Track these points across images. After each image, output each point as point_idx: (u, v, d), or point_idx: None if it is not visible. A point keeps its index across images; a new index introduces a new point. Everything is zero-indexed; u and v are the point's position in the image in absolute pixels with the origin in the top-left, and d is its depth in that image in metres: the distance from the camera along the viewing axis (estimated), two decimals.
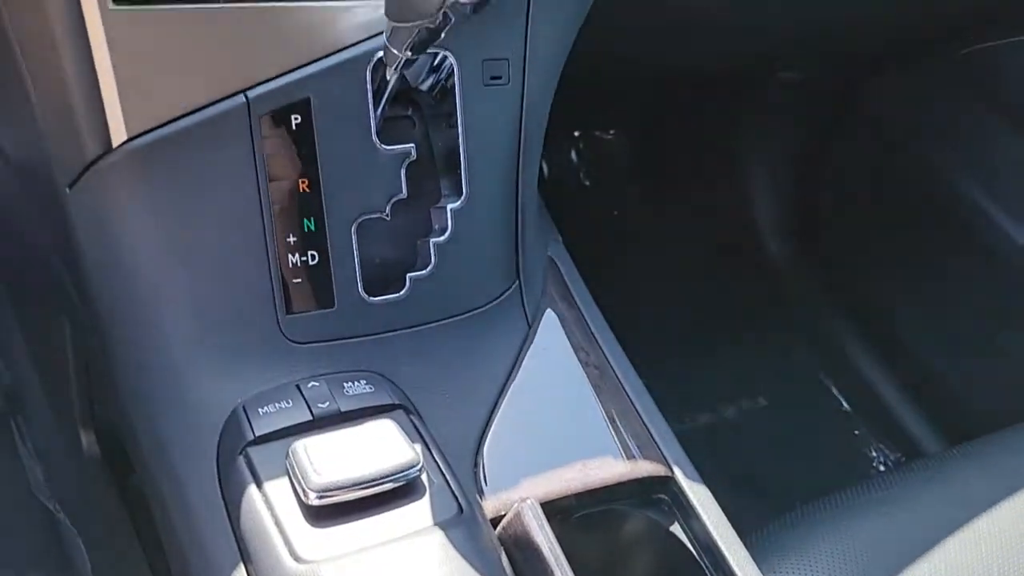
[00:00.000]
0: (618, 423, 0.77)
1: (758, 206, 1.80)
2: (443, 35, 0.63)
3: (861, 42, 1.32)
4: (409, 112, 0.74)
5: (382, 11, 0.63)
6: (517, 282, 0.80)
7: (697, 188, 1.88)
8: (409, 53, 0.64)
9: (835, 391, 1.69)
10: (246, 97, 0.65)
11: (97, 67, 0.62)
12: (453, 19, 0.60)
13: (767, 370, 1.70)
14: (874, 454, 1.62)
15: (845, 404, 1.67)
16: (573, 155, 1.92)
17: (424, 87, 0.72)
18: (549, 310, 0.82)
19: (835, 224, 1.72)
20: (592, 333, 0.82)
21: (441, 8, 0.57)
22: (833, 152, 1.70)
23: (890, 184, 1.59)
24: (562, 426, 0.75)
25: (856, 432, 1.64)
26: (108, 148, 0.64)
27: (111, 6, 0.61)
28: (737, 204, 1.80)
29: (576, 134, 1.90)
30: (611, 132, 1.94)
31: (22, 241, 0.94)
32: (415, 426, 0.68)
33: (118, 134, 0.63)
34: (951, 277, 1.51)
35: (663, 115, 1.82)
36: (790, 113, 1.73)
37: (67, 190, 0.67)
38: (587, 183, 1.92)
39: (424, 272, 0.73)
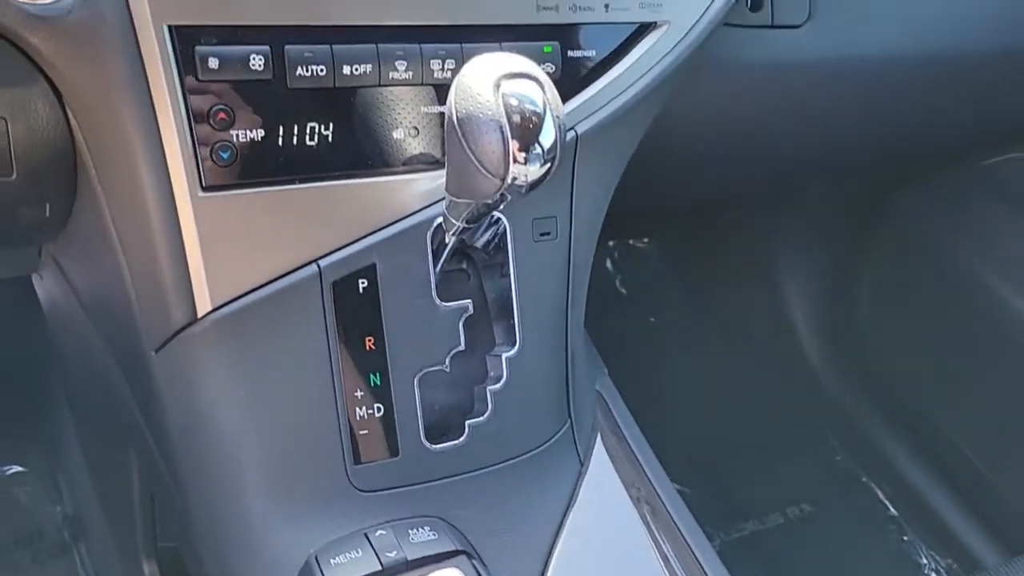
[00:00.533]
0: (671, 560, 0.79)
1: (794, 309, 1.82)
2: (501, 207, 0.68)
3: (887, 162, 1.37)
4: (463, 265, 0.79)
5: (441, 181, 0.69)
6: (569, 421, 0.84)
7: (732, 293, 1.92)
8: (466, 223, 0.70)
9: (881, 496, 1.68)
10: (318, 266, 0.70)
11: (186, 245, 0.68)
12: (510, 197, 0.65)
13: (810, 476, 1.69)
14: (924, 560, 1.60)
15: (891, 509, 1.66)
16: (608, 263, 1.97)
17: (479, 244, 0.77)
18: (600, 445, 0.85)
19: (872, 326, 1.74)
20: (642, 468, 0.85)
21: (499, 191, 0.63)
22: (866, 255, 1.73)
23: (926, 285, 1.61)
24: (616, 565, 0.78)
25: (905, 538, 1.63)
26: (194, 318, 0.69)
27: (200, 193, 0.67)
28: (773, 308, 1.83)
29: (611, 243, 1.96)
30: (645, 240, 1.99)
31: (95, 383, 0.99)
32: (477, 572, 0.71)
33: (203, 305, 0.69)
34: (991, 378, 1.52)
35: (696, 222, 1.87)
36: (822, 217, 1.77)
37: (153, 353, 0.73)
38: (623, 290, 1.96)
39: (482, 419, 0.77)
